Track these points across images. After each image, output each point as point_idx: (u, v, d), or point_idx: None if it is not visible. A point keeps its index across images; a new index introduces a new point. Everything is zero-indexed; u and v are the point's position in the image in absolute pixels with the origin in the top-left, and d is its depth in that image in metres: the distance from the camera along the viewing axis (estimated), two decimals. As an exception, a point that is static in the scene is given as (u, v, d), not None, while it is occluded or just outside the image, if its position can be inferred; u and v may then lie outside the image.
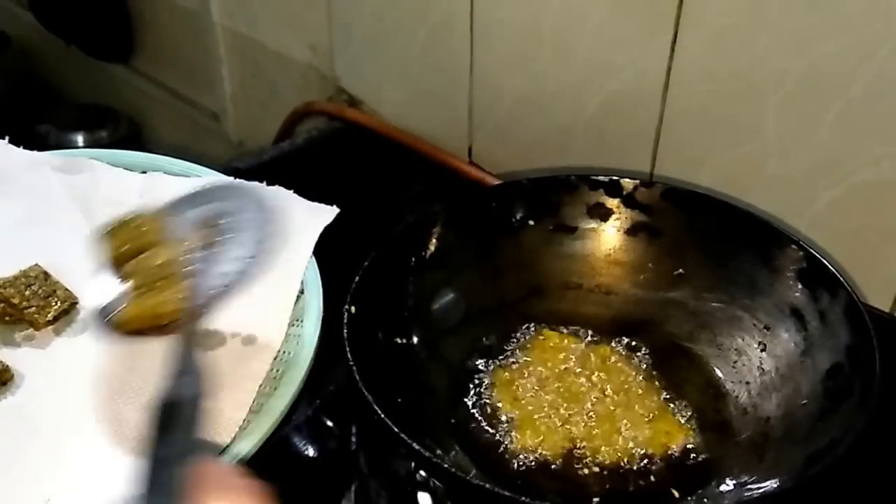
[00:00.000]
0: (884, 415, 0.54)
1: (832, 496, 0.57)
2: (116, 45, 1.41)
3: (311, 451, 0.63)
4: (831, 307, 0.61)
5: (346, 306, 0.60)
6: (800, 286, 0.63)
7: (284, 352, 0.61)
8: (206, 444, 0.43)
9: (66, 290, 0.65)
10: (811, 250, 0.63)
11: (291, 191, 0.72)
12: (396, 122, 0.96)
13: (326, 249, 0.77)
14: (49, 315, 0.63)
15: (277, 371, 0.59)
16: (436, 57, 0.89)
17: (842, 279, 0.61)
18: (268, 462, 0.59)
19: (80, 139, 1.47)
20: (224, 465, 0.42)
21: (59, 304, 0.63)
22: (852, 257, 0.68)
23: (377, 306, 0.63)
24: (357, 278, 0.62)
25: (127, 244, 0.54)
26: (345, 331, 0.58)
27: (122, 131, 1.49)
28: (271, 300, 0.63)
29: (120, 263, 0.54)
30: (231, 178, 0.73)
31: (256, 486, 0.38)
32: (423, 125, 0.94)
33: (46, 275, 0.65)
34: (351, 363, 0.56)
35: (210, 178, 0.73)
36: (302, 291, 0.64)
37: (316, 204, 0.70)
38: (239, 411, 0.56)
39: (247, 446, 0.53)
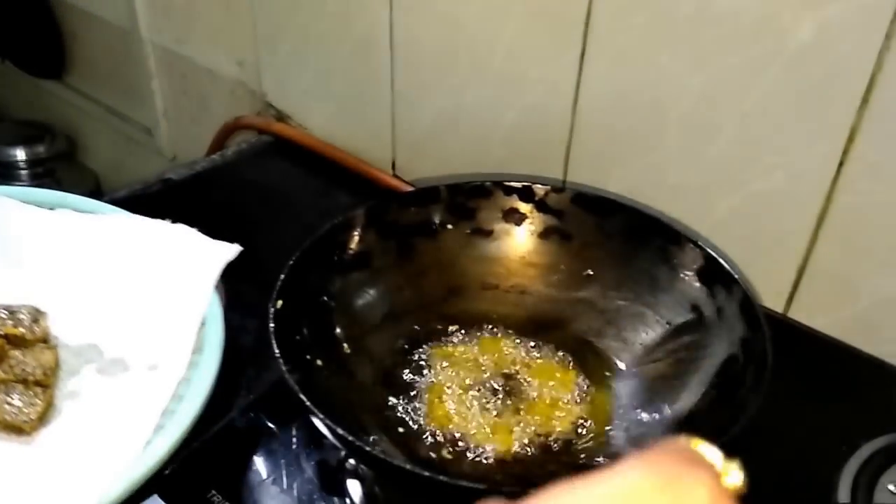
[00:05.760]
0: (772, 402, 0.57)
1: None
2: (48, 61, 1.42)
3: (249, 448, 0.64)
4: (728, 302, 0.63)
5: (273, 300, 0.62)
6: (698, 283, 0.66)
7: (187, 378, 0.64)
8: None
9: None
10: (708, 250, 0.66)
11: (194, 229, 0.74)
12: (323, 135, 0.98)
13: (256, 252, 0.79)
14: None
15: (180, 395, 0.63)
16: (358, 73, 0.91)
17: (736, 276, 0.64)
18: (209, 455, 0.62)
19: (19, 154, 1.51)
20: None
21: None
22: (750, 261, 0.71)
23: (302, 302, 0.64)
24: (283, 275, 0.63)
25: None
26: (271, 324, 0.60)
27: (59, 146, 1.53)
28: (174, 332, 0.67)
29: None
30: (136, 216, 0.75)
31: None
32: (348, 138, 0.96)
33: None
34: (277, 355, 0.58)
35: (117, 216, 0.75)
36: (203, 323, 0.68)
37: (219, 242, 0.73)
38: (144, 430, 0.60)
39: (150, 462, 0.57)
